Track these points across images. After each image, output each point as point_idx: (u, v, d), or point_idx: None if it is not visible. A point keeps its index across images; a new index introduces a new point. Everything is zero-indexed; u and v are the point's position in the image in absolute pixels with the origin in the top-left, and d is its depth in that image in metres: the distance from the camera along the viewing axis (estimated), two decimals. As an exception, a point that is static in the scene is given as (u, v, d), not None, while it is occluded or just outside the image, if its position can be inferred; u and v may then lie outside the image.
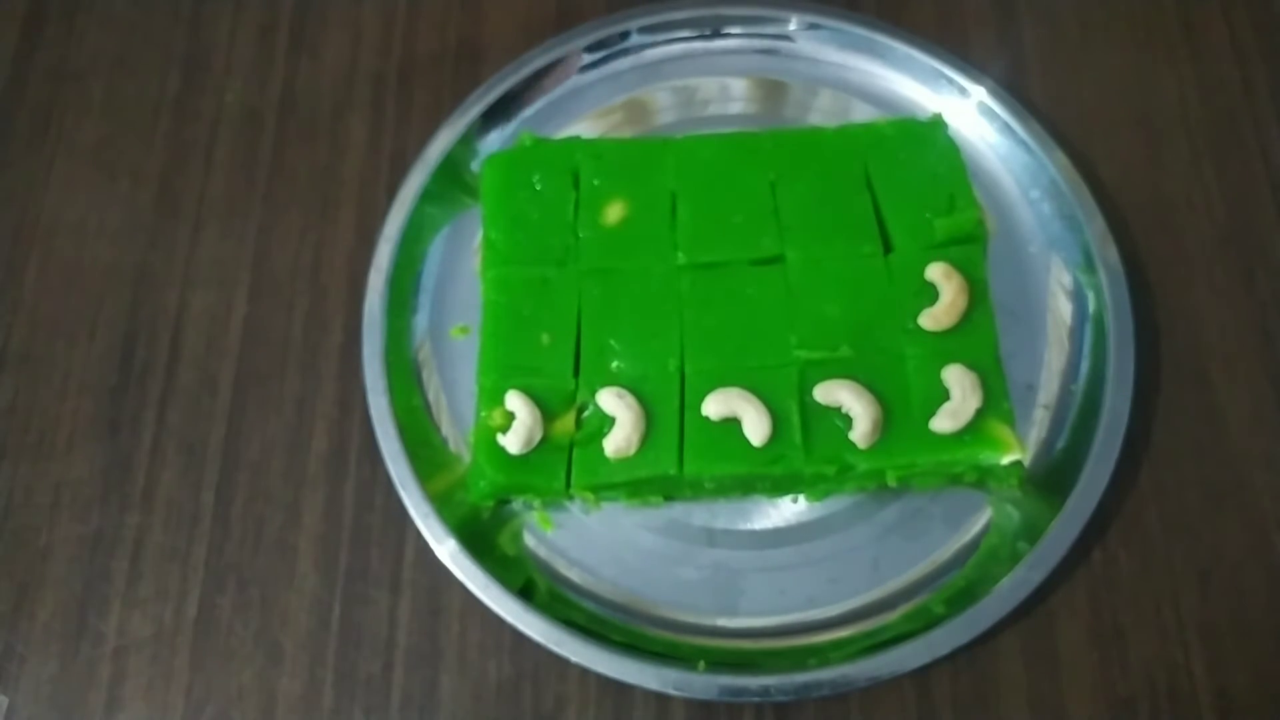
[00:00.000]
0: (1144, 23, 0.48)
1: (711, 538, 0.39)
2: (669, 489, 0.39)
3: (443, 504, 0.38)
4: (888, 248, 0.40)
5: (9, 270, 0.45)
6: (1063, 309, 0.42)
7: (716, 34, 0.47)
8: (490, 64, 0.47)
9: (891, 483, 0.38)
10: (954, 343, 0.38)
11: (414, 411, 0.40)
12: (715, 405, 0.37)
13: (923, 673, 0.36)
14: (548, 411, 0.38)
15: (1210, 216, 0.44)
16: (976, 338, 0.38)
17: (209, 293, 0.44)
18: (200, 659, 0.38)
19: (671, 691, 0.36)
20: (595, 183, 0.41)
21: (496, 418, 0.38)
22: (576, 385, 0.38)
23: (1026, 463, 0.37)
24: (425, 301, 0.43)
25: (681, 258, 0.40)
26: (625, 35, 0.46)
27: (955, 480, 0.38)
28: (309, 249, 0.45)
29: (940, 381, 0.37)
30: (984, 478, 0.38)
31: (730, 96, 0.47)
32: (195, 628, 0.39)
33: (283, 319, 0.43)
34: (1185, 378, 0.41)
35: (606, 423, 0.37)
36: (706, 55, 0.47)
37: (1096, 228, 0.41)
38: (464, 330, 0.42)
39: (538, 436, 0.37)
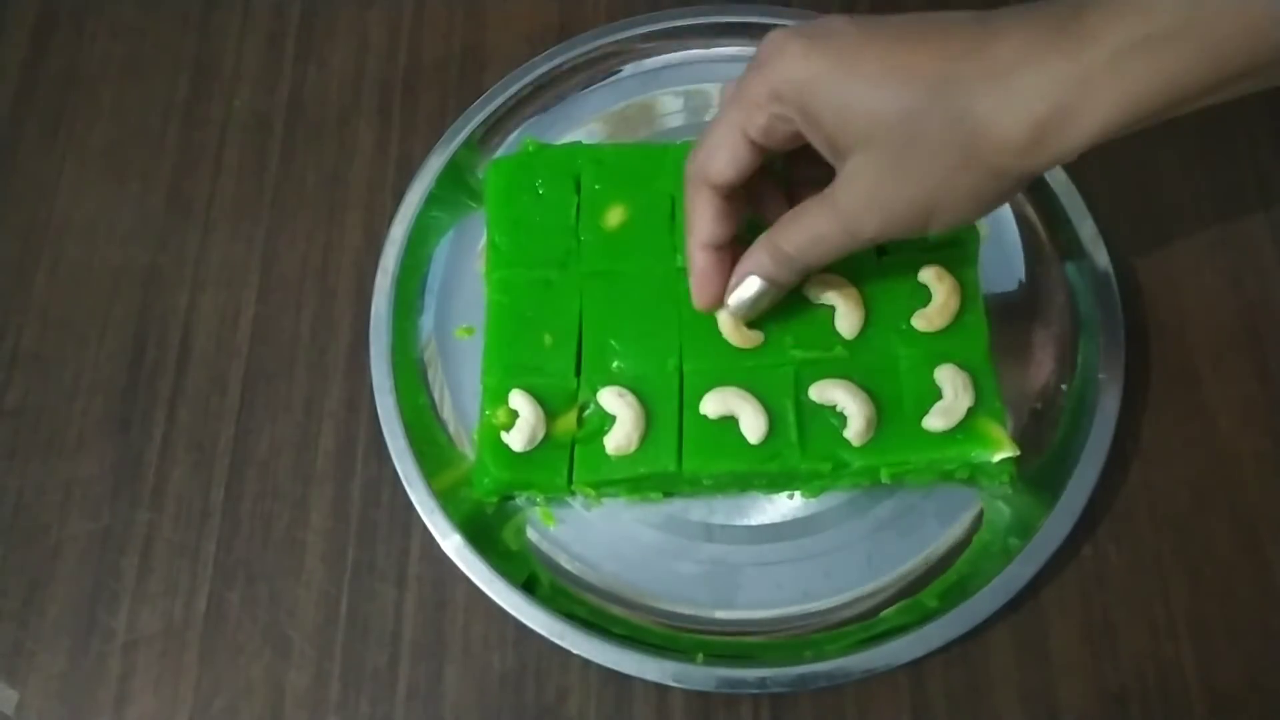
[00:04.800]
0: (1134, 30, 0.49)
1: (710, 533, 0.39)
2: (668, 485, 0.39)
3: (448, 500, 0.39)
4: (881, 251, 0.40)
5: (20, 272, 0.45)
6: (1054, 310, 0.42)
7: (716, 41, 0.47)
8: (494, 71, 0.47)
9: (885, 480, 0.38)
10: (946, 343, 0.38)
11: (420, 410, 0.41)
12: (713, 404, 0.37)
13: (916, 665, 0.37)
14: (550, 410, 0.38)
15: (1199, 219, 0.44)
16: (968, 338, 0.38)
17: (218, 294, 0.45)
18: (209, 653, 0.39)
19: (671, 683, 0.36)
20: (596, 187, 0.42)
21: (500, 416, 0.38)
22: (578, 384, 0.39)
23: (1017, 460, 0.38)
24: (431, 303, 0.44)
25: (680, 260, 0.40)
26: (626, 43, 0.47)
27: (947, 477, 0.39)
28: (317, 251, 0.45)
29: (933, 381, 0.38)
30: (976, 475, 0.39)
31: (729, 102, 0.47)
32: (205, 622, 0.39)
33: (291, 320, 0.44)
34: (1174, 377, 0.42)
35: (607, 421, 0.38)
36: (706, 62, 0.48)
37: (1087, 230, 0.42)
38: (468, 331, 0.43)
39: (540, 434, 0.38)
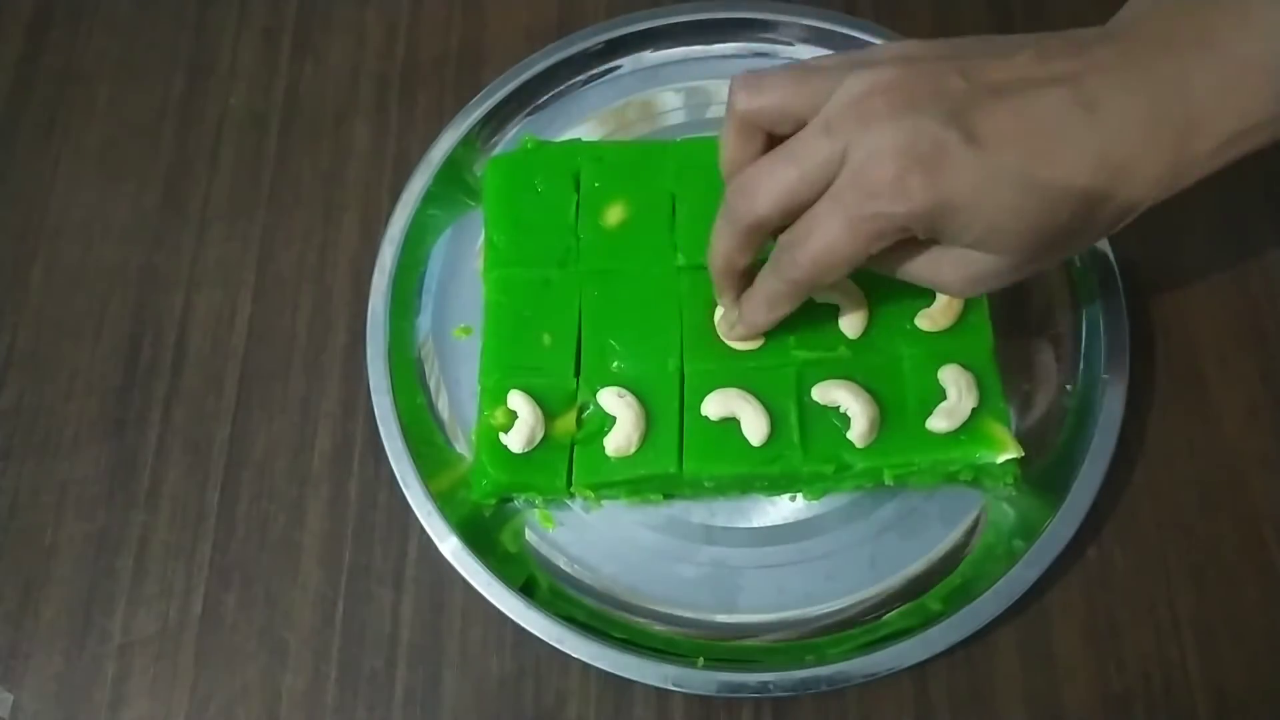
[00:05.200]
0: (1139, 27, 0.49)
1: (710, 535, 0.39)
2: (668, 487, 0.39)
3: (445, 502, 0.38)
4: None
5: (15, 271, 0.45)
6: (1058, 309, 0.42)
7: (715, 38, 0.47)
8: (492, 68, 0.47)
9: (888, 481, 0.38)
10: (950, 343, 0.38)
11: (417, 411, 0.41)
12: (714, 405, 0.37)
13: (920, 669, 0.37)
14: (549, 411, 0.38)
15: (1204, 217, 0.44)
16: (972, 338, 0.38)
17: (214, 293, 0.44)
18: (205, 656, 0.38)
19: (671, 687, 0.36)
20: (596, 185, 0.42)
21: (498, 417, 0.38)
22: (577, 385, 0.39)
23: (1021, 461, 0.37)
24: (428, 302, 0.43)
25: (681, 259, 0.40)
26: (625, 39, 0.47)
27: (951, 479, 0.39)
28: (313, 250, 0.45)
29: (937, 381, 0.37)
30: (980, 476, 0.38)
31: (729, 100, 0.47)
32: (200, 625, 0.39)
33: (287, 319, 0.44)
34: (1180, 377, 0.41)
35: (607, 422, 0.37)
36: (706, 59, 0.47)
37: (1091, 229, 0.42)
38: (466, 331, 0.43)
39: (539, 435, 0.38)
